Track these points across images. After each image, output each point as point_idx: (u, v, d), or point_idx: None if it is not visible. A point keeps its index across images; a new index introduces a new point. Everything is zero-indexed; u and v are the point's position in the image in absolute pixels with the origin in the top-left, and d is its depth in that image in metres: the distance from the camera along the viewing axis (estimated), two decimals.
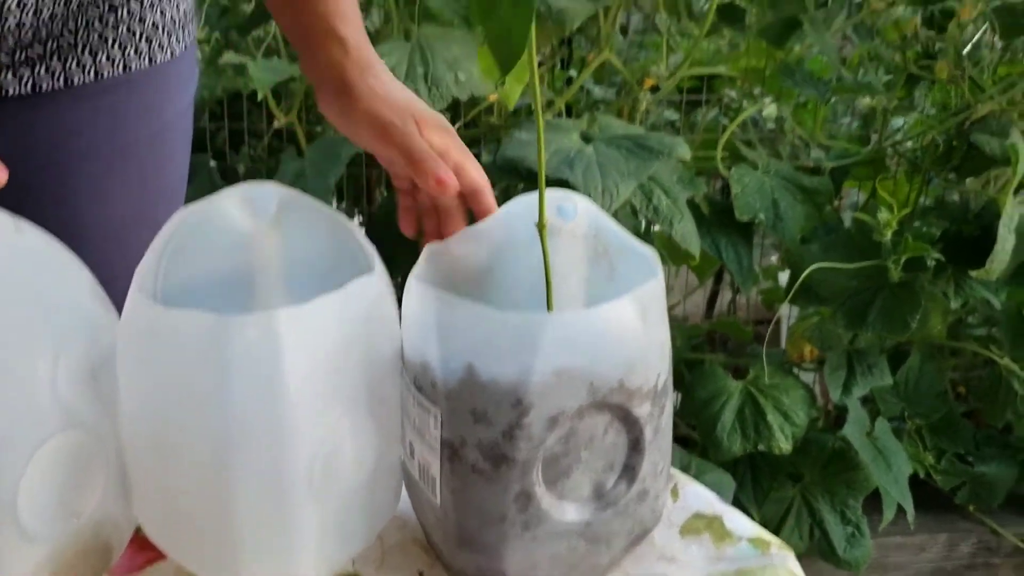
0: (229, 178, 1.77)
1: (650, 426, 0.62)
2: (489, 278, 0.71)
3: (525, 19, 0.50)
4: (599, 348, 0.58)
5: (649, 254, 0.64)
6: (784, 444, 1.40)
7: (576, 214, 0.69)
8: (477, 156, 1.88)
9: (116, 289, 0.65)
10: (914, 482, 1.57)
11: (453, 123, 1.66)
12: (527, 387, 0.57)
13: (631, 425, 0.61)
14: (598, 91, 1.81)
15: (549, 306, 0.64)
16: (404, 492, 0.71)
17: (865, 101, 1.82)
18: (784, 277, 1.95)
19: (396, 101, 0.72)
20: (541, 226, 0.63)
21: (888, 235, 1.29)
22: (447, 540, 0.63)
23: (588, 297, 0.70)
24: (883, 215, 1.28)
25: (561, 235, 0.68)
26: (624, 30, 1.84)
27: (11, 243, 0.58)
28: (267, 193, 0.65)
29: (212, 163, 1.77)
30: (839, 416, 1.71)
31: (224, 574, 0.64)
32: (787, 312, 1.98)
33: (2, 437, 0.55)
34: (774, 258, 2.09)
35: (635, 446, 0.62)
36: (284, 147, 1.70)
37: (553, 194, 0.68)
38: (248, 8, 1.62)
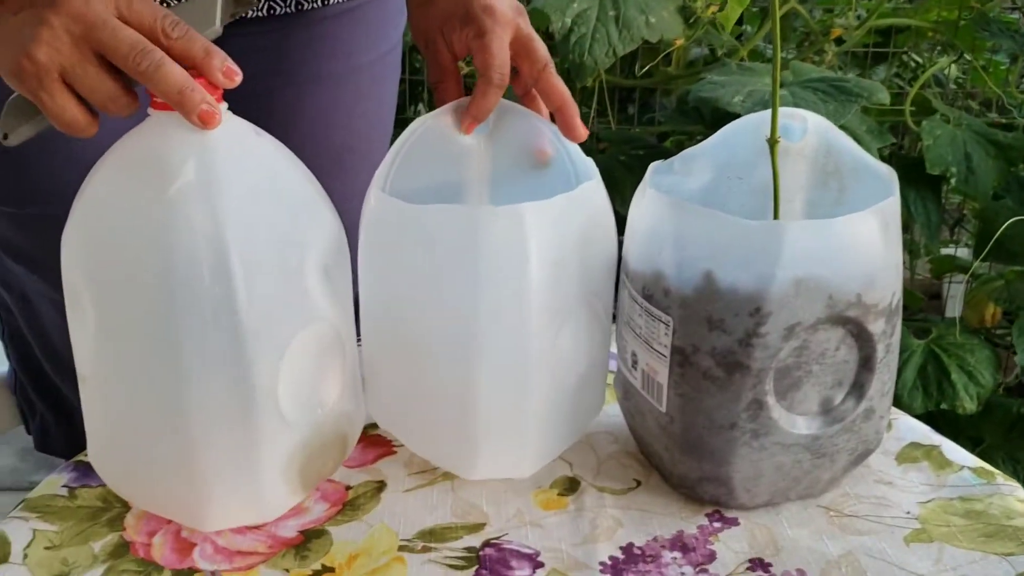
0: None
1: (882, 344, 0.61)
2: (710, 199, 0.71)
3: None
4: (840, 259, 0.58)
5: (886, 172, 0.63)
6: (969, 404, 1.36)
7: (804, 134, 0.68)
8: (652, 106, 1.85)
9: None
10: None
11: (631, 75, 1.66)
12: (767, 295, 0.57)
13: (864, 342, 0.61)
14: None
15: (776, 217, 0.64)
16: (610, 410, 0.73)
17: None
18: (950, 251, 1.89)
19: (432, 12, 0.72)
20: (773, 141, 0.63)
21: None
22: (670, 447, 0.64)
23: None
24: None
25: (788, 155, 0.68)
26: None
27: (253, 144, 0.61)
28: None
29: None
30: (1019, 387, 1.64)
31: (462, 465, 0.67)
32: (948, 287, 1.93)
33: (264, 327, 0.58)
34: None
35: (866, 363, 0.62)
36: None
37: (781, 111, 0.67)
38: None
